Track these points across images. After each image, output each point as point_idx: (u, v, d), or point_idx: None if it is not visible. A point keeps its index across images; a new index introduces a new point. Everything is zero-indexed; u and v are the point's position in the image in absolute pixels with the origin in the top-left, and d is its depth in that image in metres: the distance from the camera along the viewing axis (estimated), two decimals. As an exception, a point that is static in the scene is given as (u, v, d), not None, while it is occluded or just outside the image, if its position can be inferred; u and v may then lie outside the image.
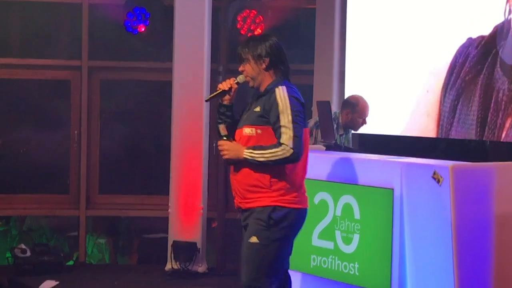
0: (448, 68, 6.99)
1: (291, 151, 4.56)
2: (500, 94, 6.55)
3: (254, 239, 4.65)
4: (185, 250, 7.87)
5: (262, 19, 8.51)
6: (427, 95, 7.19)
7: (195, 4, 7.96)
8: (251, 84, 4.82)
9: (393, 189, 5.15)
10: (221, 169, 8.57)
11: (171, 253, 7.89)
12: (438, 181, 4.87)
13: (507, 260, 4.95)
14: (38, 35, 8.65)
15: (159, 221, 8.49)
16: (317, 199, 5.66)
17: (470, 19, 6.82)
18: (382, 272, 5.22)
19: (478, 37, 6.77)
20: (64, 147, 8.78)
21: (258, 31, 8.42)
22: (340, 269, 5.50)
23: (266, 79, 4.78)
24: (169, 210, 8.02)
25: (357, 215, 5.40)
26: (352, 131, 7.24)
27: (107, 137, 8.86)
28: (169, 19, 8.09)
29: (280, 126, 4.59)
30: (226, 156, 4.74)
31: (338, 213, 5.53)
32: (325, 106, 6.33)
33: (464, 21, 6.87)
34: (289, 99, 4.63)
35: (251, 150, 4.65)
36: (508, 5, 6.54)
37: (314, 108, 7.66)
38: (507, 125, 6.51)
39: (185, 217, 7.96)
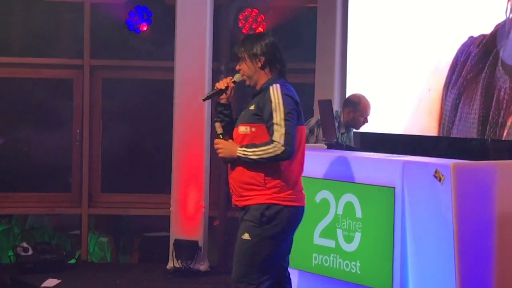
0: (450, 67, 7.00)
1: (283, 148, 4.57)
2: (502, 93, 6.56)
3: (246, 236, 4.69)
4: (187, 249, 7.87)
5: (263, 18, 8.51)
6: (428, 94, 7.19)
7: (197, 3, 7.96)
8: (247, 82, 4.85)
9: (394, 188, 5.16)
10: (222, 167, 8.58)
11: (172, 251, 7.89)
12: (440, 180, 4.87)
13: (508, 258, 4.95)
14: (40, 34, 8.66)
15: (161, 219, 8.50)
16: (318, 197, 5.67)
17: (472, 18, 6.83)
18: (383, 271, 5.22)
19: (480, 36, 6.77)
20: (66, 146, 8.79)
21: (260, 30, 8.42)
22: (342, 268, 5.51)
23: (262, 78, 4.81)
24: (170, 209, 8.02)
25: (358, 214, 5.41)
26: (354, 130, 7.25)
27: (109, 136, 8.87)
28: (171, 18, 8.09)
29: (272, 124, 4.61)
30: (221, 155, 4.79)
31: (340, 211, 5.54)
32: (326, 104, 6.34)
33: (465, 20, 6.88)
34: (283, 97, 4.65)
35: (244, 148, 4.67)
36: (509, 4, 6.54)
37: (316, 107, 7.66)
38: (508, 123, 6.51)
39: (186, 216, 7.97)
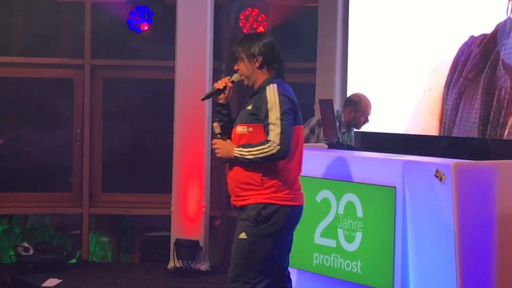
0: (451, 66, 7.00)
1: (278, 147, 4.57)
2: (503, 92, 6.56)
3: (242, 235, 4.71)
4: (188, 248, 7.87)
5: (264, 18, 8.51)
6: (429, 93, 7.19)
7: (198, 2, 7.96)
8: (245, 82, 4.85)
9: (395, 187, 5.16)
10: (223, 167, 8.57)
11: (173, 251, 7.89)
12: (441, 179, 4.87)
13: (509, 258, 4.95)
14: (41, 34, 8.65)
15: (162, 219, 8.50)
16: (319, 197, 5.67)
17: (472, 18, 6.82)
18: (384, 270, 5.22)
19: (480, 36, 6.77)
20: (66, 146, 8.79)
21: (260, 29, 8.42)
22: (343, 267, 5.51)
23: (260, 78, 4.81)
24: (171, 209, 8.02)
25: (359, 213, 5.40)
26: (355, 129, 7.24)
27: (110, 136, 8.88)
28: (172, 18, 8.09)
29: (268, 124, 4.61)
30: (218, 155, 4.81)
31: (341, 211, 5.54)
32: (327, 104, 6.33)
33: (466, 20, 6.88)
34: (279, 96, 4.65)
35: (240, 148, 4.69)
36: (510, 3, 6.54)
37: (317, 107, 7.65)
38: (509, 123, 6.51)
39: (187, 216, 7.97)
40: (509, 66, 6.52)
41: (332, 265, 5.59)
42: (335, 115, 6.68)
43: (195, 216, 7.96)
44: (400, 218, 5.13)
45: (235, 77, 4.88)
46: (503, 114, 6.55)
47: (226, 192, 8.58)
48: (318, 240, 5.69)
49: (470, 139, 6.95)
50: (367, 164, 5.48)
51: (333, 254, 5.58)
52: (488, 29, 6.69)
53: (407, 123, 7.41)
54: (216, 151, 4.80)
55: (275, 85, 4.70)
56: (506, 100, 6.53)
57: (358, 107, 7.04)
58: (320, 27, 8.36)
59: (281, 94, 4.66)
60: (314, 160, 5.72)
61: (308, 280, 5.77)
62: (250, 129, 4.72)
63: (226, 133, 4.84)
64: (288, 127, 4.61)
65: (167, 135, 8.31)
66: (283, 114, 4.61)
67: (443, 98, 7.07)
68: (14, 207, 8.84)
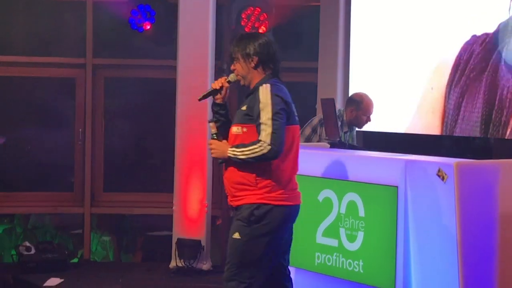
0: (453, 66, 6.99)
1: (269, 147, 4.57)
2: (505, 92, 6.55)
3: (236, 235, 4.72)
4: (190, 248, 7.87)
5: (266, 17, 8.51)
6: (431, 93, 7.18)
7: (199, 1, 7.96)
8: (242, 82, 4.87)
9: (397, 187, 5.15)
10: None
11: (175, 250, 7.89)
12: (443, 179, 4.86)
13: (511, 257, 4.94)
14: (43, 33, 8.66)
15: (164, 218, 8.50)
16: (321, 196, 5.66)
17: (475, 17, 6.82)
18: (386, 270, 5.22)
19: (483, 35, 6.76)
20: (68, 145, 8.79)
21: (263, 28, 8.42)
22: (345, 267, 5.50)
23: (255, 78, 4.81)
24: (173, 208, 8.02)
25: (361, 213, 5.40)
26: (357, 129, 7.24)
27: (112, 135, 8.88)
28: (173, 17, 8.09)
29: (260, 124, 4.62)
30: (213, 155, 4.85)
31: (343, 210, 5.53)
32: (329, 103, 6.33)
33: (468, 19, 6.87)
34: (271, 96, 4.64)
35: (234, 148, 4.70)
36: (512, 2, 6.54)
37: (319, 106, 7.65)
38: (511, 122, 6.50)
39: (189, 215, 7.97)
40: (511, 66, 6.51)
41: (334, 265, 5.59)
42: (337, 114, 6.67)
43: (197, 215, 7.95)
44: (402, 218, 5.12)
45: (232, 77, 4.89)
46: (505, 113, 6.54)
47: (227, 192, 8.60)
48: (320, 239, 5.68)
49: (472, 138, 6.95)
50: (369, 164, 5.48)
51: (335, 254, 5.58)
52: (490, 28, 6.69)
53: (409, 122, 7.40)
54: (212, 151, 4.84)
55: (268, 85, 4.69)
56: (508, 100, 6.52)
57: (360, 106, 7.03)
58: (322, 26, 8.36)
59: (274, 94, 4.66)
60: (316, 160, 5.72)
61: (310, 280, 5.77)
62: (244, 129, 4.73)
63: (224, 133, 4.85)
64: (280, 127, 4.61)
65: (168, 134, 8.30)
66: (275, 114, 4.61)
67: (445, 97, 7.06)
68: (16, 207, 8.85)
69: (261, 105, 4.63)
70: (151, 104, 8.91)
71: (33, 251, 7.87)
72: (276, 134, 4.58)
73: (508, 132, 6.52)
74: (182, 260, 7.86)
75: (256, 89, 4.72)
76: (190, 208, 7.96)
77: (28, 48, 8.70)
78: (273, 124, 4.58)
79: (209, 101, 7.82)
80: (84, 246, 8.78)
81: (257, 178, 4.68)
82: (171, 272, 7.88)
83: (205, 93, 4.99)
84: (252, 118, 4.67)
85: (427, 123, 7.23)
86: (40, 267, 7.75)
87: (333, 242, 5.59)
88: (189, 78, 7.90)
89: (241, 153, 4.65)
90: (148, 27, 8.38)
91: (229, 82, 4.89)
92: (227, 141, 4.81)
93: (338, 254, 5.56)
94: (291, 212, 4.77)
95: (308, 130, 7.07)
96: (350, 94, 7.54)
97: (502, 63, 6.58)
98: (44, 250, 7.93)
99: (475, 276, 4.83)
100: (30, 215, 9.18)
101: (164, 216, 8.42)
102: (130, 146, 8.95)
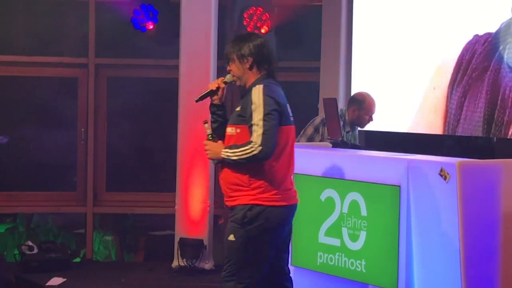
0: (455, 65, 6.99)
1: (260, 148, 4.59)
2: (507, 91, 6.55)
3: (231, 237, 4.75)
4: (192, 247, 7.88)
5: (268, 16, 8.52)
6: (434, 92, 7.18)
7: (202, 1, 7.96)
8: (238, 83, 4.89)
9: (399, 186, 5.15)
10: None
11: (177, 250, 7.89)
12: (445, 178, 4.86)
13: (514, 257, 4.95)
14: (45, 33, 8.66)
15: (166, 218, 8.50)
16: (323, 196, 5.67)
17: (477, 16, 6.82)
18: (389, 269, 5.22)
19: (485, 34, 6.76)
20: (71, 145, 8.80)
21: (265, 28, 8.43)
22: (347, 266, 5.51)
23: (251, 78, 4.83)
24: (175, 207, 8.03)
25: (364, 212, 5.40)
26: (359, 128, 7.24)
27: (114, 135, 8.88)
28: (176, 17, 8.09)
29: (252, 125, 4.63)
30: (208, 156, 4.86)
31: (345, 210, 5.53)
32: (331, 103, 6.33)
33: (470, 18, 6.87)
34: (263, 97, 4.66)
35: (227, 149, 4.72)
36: (515, 2, 6.54)
37: (321, 105, 7.66)
38: (513, 122, 6.51)
39: (192, 214, 7.97)
40: (514, 65, 6.52)
41: (336, 264, 5.59)
42: (339, 114, 6.67)
43: (199, 215, 7.96)
44: (404, 217, 5.12)
45: (228, 78, 4.92)
46: (507, 113, 6.54)
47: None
48: (322, 239, 5.68)
49: (474, 138, 6.95)
50: (371, 163, 5.48)
51: (337, 253, 5.58)
52: (493, 27, 6.69)
53: (411, 121, 7.40)
54: (206, 152, 4.86)
55: (261, 86, 4.71)
56: (510, 99, 6.52)
57: (362, 106, 7.03)
58: (324, 26, 8.36)
59: (266, 95, 4.67)
60: (319, 159, 5.72)
61: (312, 279, 5.77)
62: (238, 130, 4.76)
63: (222, 134, 4.87)
64: (271, 128, 4.61)
65: (171, 134, 8.31)
66: (266, 115, 4.62)
67: (447, 97, 7.06)
68: (18, 206, 8.85)
69: (253, 106, 4.65)
70: (154, 103, 8.91)
71: (35, 251, 7.88)
72: (267, 135, 4.59)
73: (510, 132, 6.52)
74: (184, 260, 7.86)
75: (249, 90, 4.73)
76: (192, 207, 7.97)
77: (31, 48, 8.70)
78: (264, 125, 4.60)
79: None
80: (86, 246, 8.79)
81: (250, 179, 4.70)
82: (174, 271, 7.89)
83: (202, 94, 5.02)
84: (245, 119, 4.69)
85: (429, 122, 7.23)
86: (42, 267, 7.76)
87: (336, 242, 5.60)
88: (192, 78, 7.91)
89: (233, 154, 4.67)
90: (151, 27, 8.39)
91: (225, 82, 4.93)
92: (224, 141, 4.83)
93: (340, 254, 5.56)
94: (285, 212, 4.78)
95: (310, 130, 7.07)
96: (352, 93, 7.54)
97: (505, 62, 6.58)
98: (46, 249, 7.94)
99: (478, 276, 4.83)
100: (33, 214, 9.19)
101: (167, 216, 8.42)
102: (132, 145, 8.95)
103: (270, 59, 4.85)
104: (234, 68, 4.85)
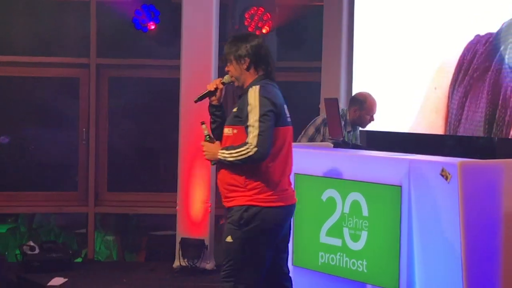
0: (456, 65, 6.99)
1: (255, 149, 4.58)
2: (508, 91, 6.55)
3: (228, 239, 4.76)
4: (193, 247, 7.88)
5: (269, 16, 8.53)
6: (435, 92, 7.18)
7: (203, 1, 7.97)
8: (236, 84, 4.90)
9: (401, 186, 5.15)
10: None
11: (179, 250, 7.90)
12: (446, 178, 4.86)
13: (515, 257, 4.95)
14: (47, 33, 8.67)
15: (167, 218, 8.51)
16: (325, 196, 5.67)
17: (478, 16, 6.81)
18: (390, 269, 5.22)
19: (486, 34, 6.76)
20: (72, 145, 8.81)
21: (266, 28, 8.43)
22: (348, 266, 5.51)
23: (248, 79, 4.83)
24: (177, 208, 8.03)
25: (365, 212, 5.40)
26: (360, 128, 7.24)
27: (115, 135, 8.88)
28: (177, 17, 8.09)
29: (248, 126, 4.63)
30: (205, 157, 4.86)
31: (346, 210, 5.53)
32: (333, 103, 6.33)
33: (472, 18, 6.87)
34: (259, 98, 4.65)
35: (223, 150, 4.73)
36: (516, 2, 6.54)
37: (322, 105, 7.66)
38: (515, 122, 6.51)
39: (193, 215, 7.97)
40: (515, 65, 6.52)
41: (337, 264, 5.59)
42: (341, 114, 6.67)
43: (201, 215, 7.96)
44: (405, 217, 5.12)
45: (226, 78, 4.92)
46: (508, 113, 6.54)
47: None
48: (324, 239, 5.68)
49: (475, 138, 6.95)
50: (372, 163, 5.48)
51: (338, 253, 5.58)
52: (494, 27, 6.69)
53: (412, 122, 7.40)
54: (203, 153, 4.86)
55: (258, 86, 4.70)
56: (511, 99, 6.52)
57: (363, 106, 7.03)
58: (326, 26, 8.36)
59: (262, 96, 4.66)
60: (320, 159, 5.72)
61: (314, 279, 5.77)
62: (235, 131, 4.75)
63: (221, 134, 4.88)
64: (267, 129, 4.61)
65: (172, 134, 8.31)
66: (262, 116, 4.62)
67: (448, 97, 7.06)
68: (20, 206, 8.86)
69: (249, 107, 4.65)
70: (155, 104, 8.92)
71: (37, 251, 7.89)
72: (262, 136, 4.59)
73: (511, 132, 6.52)
74: (185, 260, 7.87)
75: (246, 91, 4.74)
76: (193, 207, 7.97)
77: (33, 48, 8.70)
78: (259, 126, 4.60)
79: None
80: (88, 246, 8.80)
81: (247, 179, 4.70)
82: (175, 271, 7.89)
83: (200, 95, 5.03)
84: (242, 120, 4.69)
85: (431, 122, 7.23)
86: (44, 267, 7.76)
87: (337, 242, 5.59)
88: (193, 78, 7.91)
89: (229, 155, 4.67)
90: (152, 27, 8.40)
91: (223, 83, 4.93)
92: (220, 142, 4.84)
93: (341, 254, 5.56)
94: (282, 213, 4.77)
95: (311, 130, 7.07)
96: (353, 93, 7.54)
97: (506, 62, 6.58)
98: (48, 249, 7.94)
99: (479, 276, 4.83)
100: (35, 214, 9.19)
101: (168, 216, 8.43)
102: (134, 145, 8.96)
103: (267, 59, 4.85)
104: (232, 68, 4.85)
